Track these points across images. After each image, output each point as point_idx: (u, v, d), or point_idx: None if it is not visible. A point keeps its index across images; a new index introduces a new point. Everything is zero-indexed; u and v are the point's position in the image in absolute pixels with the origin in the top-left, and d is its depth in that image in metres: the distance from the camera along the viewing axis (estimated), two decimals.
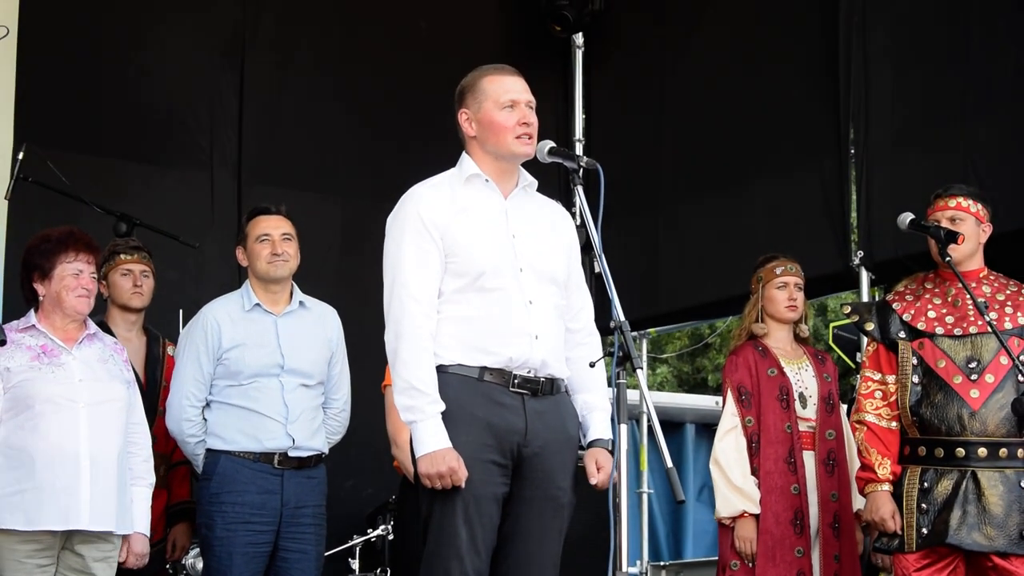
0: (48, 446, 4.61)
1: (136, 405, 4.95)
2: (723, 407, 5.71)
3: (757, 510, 5.49)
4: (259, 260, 5.39)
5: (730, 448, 5.58)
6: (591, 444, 4.25)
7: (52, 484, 4.58)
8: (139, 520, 4.86)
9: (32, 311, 4.86)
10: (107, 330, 5.29)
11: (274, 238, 5.40)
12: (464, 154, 4.28)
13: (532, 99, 4.24)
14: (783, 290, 5.73)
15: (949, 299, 5.10)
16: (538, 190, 4.38)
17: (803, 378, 5.66)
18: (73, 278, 4.80)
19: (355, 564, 6.12)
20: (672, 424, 10.51)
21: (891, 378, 5.11)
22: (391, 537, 6.10)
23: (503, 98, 4.19)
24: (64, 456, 4.62)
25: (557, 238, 4.32)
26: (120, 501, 4.73)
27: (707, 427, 10.38)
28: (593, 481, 4.19)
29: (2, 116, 6.34)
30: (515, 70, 4.28)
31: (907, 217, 5.14)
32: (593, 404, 4.27)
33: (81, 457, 4.64)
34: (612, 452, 4.16)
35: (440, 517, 4.03)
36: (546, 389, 4.15)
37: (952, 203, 5.13)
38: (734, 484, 5.53)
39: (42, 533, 4.59)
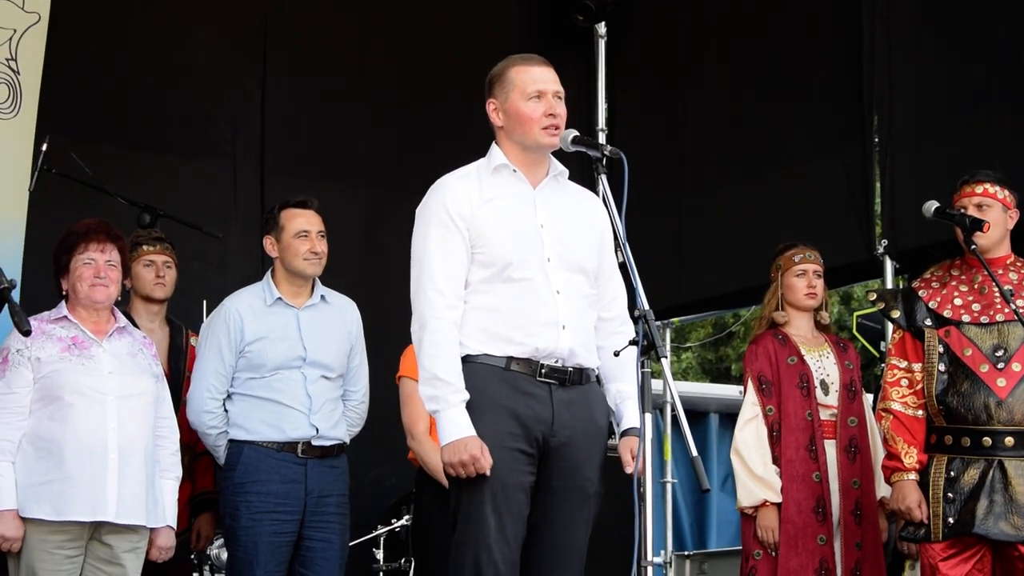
0: (76, 437, 4.63)
1: (165, 399, 4.97)
2: (744, 397, 5.70)
3: (778, 499, 5.49)
4: (296, 256, 5.38)
5: (750, 438, 5.58)
6: (625, 433, 4.24)
7: (79, 475, 4.60)
8: (169, 513, 4.88)
9: (63, 302, 4.88)
10: (130, 321, 5.30)
11: (312, 235, 5.41)
12: (493, 144, 4.28)
13: (560, 89, 4.23)
14: (802, 278, 5.72)
15: (975, 286, 5.08)
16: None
17: (824, 365, 5.65)
18: (86, 268, 4.81)
19: (379, 554, 6.14)
20: (696, 414, 10.51)
21: (917, 366, 5.08)
22: (411, 526, 6.11)
23: (530, 88, 4.18)
24: (92, 448, 4.63)
25: (588, 227, 4.31)
26: (148, 494, 4.75)
27: (731, 417, 10.35)
28: (629, 470, 4.15)
29: (30, 103, 6.34)
30: (544, 60, 4.27)
31: (932, 205, 5.12)
32: (626, 393, 4.25)
33: (109, 449, 4.65)
34: None
35: (468, 506, 4.03)
36: (574, 379, 4.15)
37: (979, 189, 5.10)
38: (755, 474, 5.52)
39: (70, 524, 4.61)
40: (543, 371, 4.11)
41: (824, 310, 5.80)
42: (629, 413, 4.24)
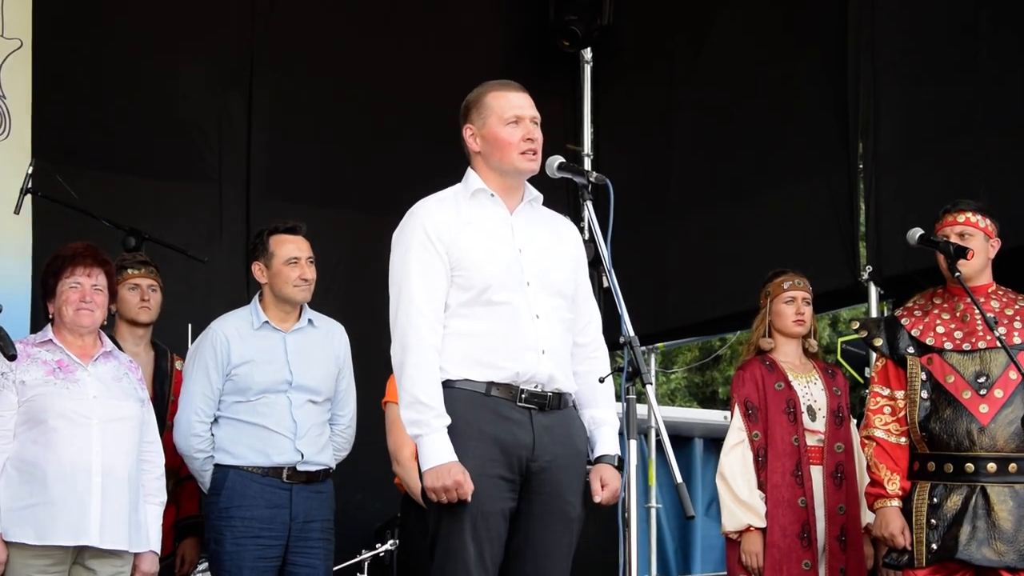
0: (60, 461, 4.62)
1: (150, 423, 4.96)
2: (731, 422, 5.72)
3: (763, 524, 5.50)
4: (287, 283, 5.38)
5: (736, 463, 5.59)
6: (597, 460, 4.25)
7: (63, 499, 4.59)
8: (153, 538, 4.87)
9: (49, 325, 4.88)
10: (115, 345, 5.29)
11: (302, 261, 5.41)
12: (470, 169, 4.28)
13: (537, 115, 4.23)
14: (791, 305, 5.74)
15: (958, 314, 5.10)
16: (549, 205, 4.38)
17: (812, 391, 5.66)
18: (72, 292, 4.81)
19: None
20: (680, 439, 10.51)
21: (900, 393, 5.10)
22: (397, 552, 6.10)
23: (508, 114, 4.19)
24: (76, 472, 4.62)
25: (563, 251, 4.32)
26: (132, 518, 4.73)
27: (715, 442, 10.39)
28: (597, 499, 4.18)
29: (18, 130, 6.36)
30: (520, 86, 4.28)
31: (916, 232, 5.14)
32: (600, 419, 4.26)
33: (93, 473, 4.64)
34: (619, 468, 4.16)
35: (448, 532, 4.02)
36: (553, 403, 4.15)
37: (961, 218, 5.13)
38: (740, 498, 5.54)
39: (53, 548, 4.59)
40: (523, 396, 4.10)
41: (812, 337, 5.82)
42: (603, 440, 4.26)
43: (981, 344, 4.99)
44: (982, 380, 4.95)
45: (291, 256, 5.39)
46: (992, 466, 4.89)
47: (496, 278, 4.13)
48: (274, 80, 7.53)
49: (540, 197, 4.33)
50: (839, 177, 6.78)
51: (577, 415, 4.26)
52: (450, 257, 4.14)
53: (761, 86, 7.25)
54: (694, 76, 7.68)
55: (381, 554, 6.14)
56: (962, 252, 5.02)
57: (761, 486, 5.53)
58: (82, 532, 4.61)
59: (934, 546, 4.92)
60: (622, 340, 3.87)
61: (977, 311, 4.98)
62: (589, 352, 4.32)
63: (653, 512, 8.24)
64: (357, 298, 7.08)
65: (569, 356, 4.25)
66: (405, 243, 4.18)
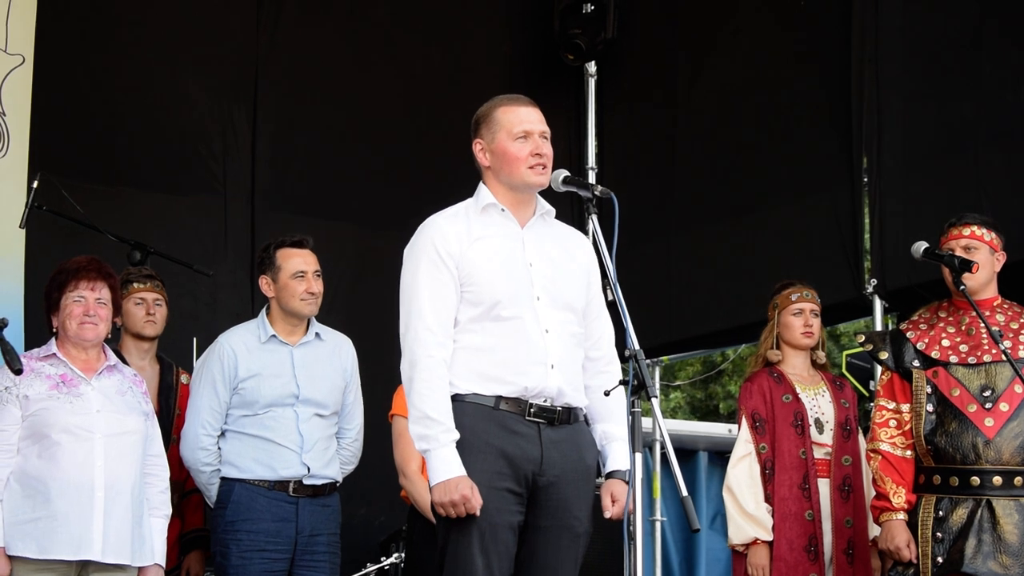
0: (64, 476, 4.62)
1: (154, 437, 4.96)
2: (738, 434, 5.71)
3: (769, 537, 5.49)
4: (293, 297, 5.39)
5: (743, 475, 5.59)
6: (609, 475, 4.25)
7: (66, 514, 4.59)
8: (157, 552, 4.86)
9: (52, 339, 4.88)
10: (120, 359, 5.30)
11: (309, 275, 5.41)
12: (481, 184, 4.30)
13: (546, 129, 4.25)
14: (799, 316, 5.74)
15: (963, 328, 5.10)
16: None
17: (820, 404, 5.66)
18: (76, 305, 4.81)
19: None
20: (685, 452, 10.48)
21: (905, 407, 5.11)
22: (403, 565, 6.10)
23: (517, 128, 4.20)
24: (79, 486, 4.63)
25: (575, 266, 4.32)
26: (135, 532, 4.73)
27: (720, 455, 10.35)
28: (607, 514, 4.18)
29: (19, 145, 6.37)
30: (530, 100, 4.30)
31: (921, 246, 5.15)
32: (612, 434, 4.26)
33: (96, 488, 4.65)
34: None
35: (456, 546, 4.03)
36: (563, 418, 4.15)
37: (966, 232, 5.14)
38: (746, 511, 5.53)
39: (55, 562, 4.59)
40: (532, 410, 4.11)
41: (820, 349, 5.82)
42: (615, 455, 4.25)
43: (987, 358, 4.99)
44: (987, 394, 4.96)
45: (298, 270, 5.40)
46: (998, 479, 4.89)
47: (505, 294, 4.14)
48: (279, 94, 7.54)
49: (552, 211, 4.34)
50: (843, 191, 6.79)
51: (587, 430, 4.27)
52: (460, 272, 4.15)
53: (765, 100, 7.26)
54: (698, 89, 7.69)
55: (386, 567, 6.14)
56: (967, 265, 5.02)
57: (768, 499, 5.53)
58: (84, 546, 4.61)
59: (940, 559, 4.92)
60: (627, 353, 3.87)
61: (982, 324, 4.98)
62: (601, 367, 4.32)
63: (658, 525, 8.22)
64: (362, 311, 7.09)
65: (580, 370, 4.25)
66: (415, 259, 4.19)
